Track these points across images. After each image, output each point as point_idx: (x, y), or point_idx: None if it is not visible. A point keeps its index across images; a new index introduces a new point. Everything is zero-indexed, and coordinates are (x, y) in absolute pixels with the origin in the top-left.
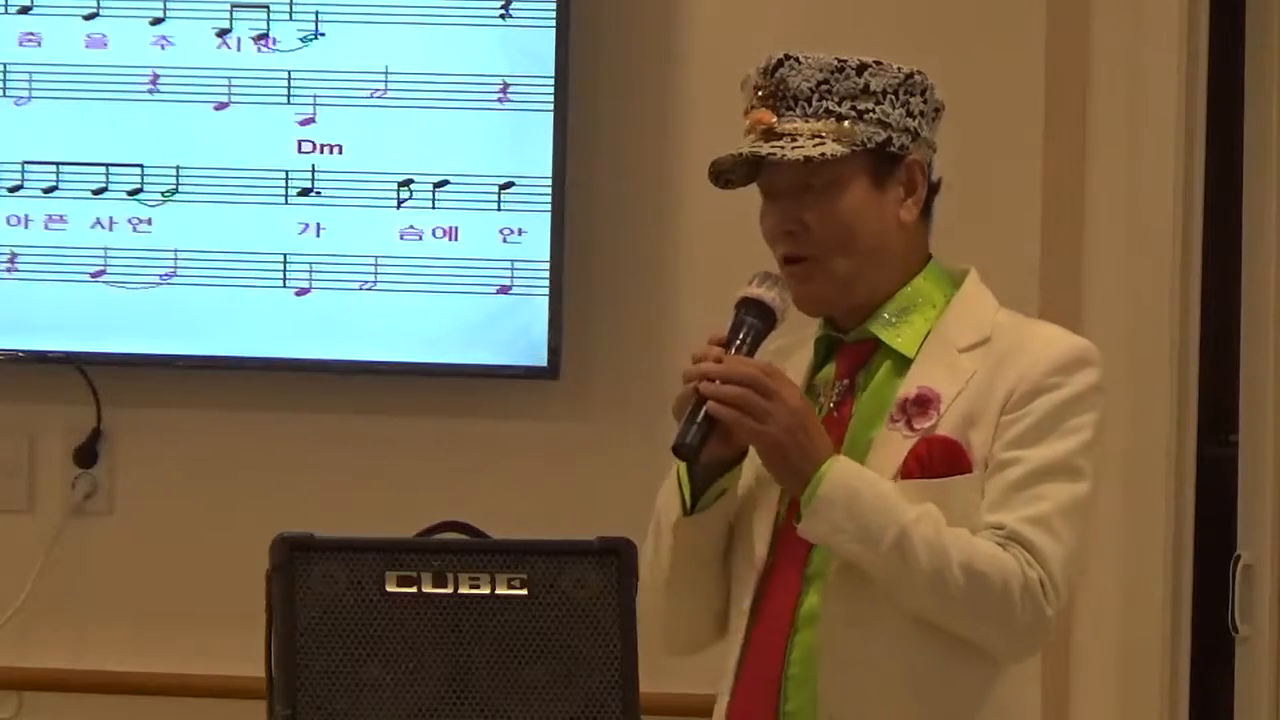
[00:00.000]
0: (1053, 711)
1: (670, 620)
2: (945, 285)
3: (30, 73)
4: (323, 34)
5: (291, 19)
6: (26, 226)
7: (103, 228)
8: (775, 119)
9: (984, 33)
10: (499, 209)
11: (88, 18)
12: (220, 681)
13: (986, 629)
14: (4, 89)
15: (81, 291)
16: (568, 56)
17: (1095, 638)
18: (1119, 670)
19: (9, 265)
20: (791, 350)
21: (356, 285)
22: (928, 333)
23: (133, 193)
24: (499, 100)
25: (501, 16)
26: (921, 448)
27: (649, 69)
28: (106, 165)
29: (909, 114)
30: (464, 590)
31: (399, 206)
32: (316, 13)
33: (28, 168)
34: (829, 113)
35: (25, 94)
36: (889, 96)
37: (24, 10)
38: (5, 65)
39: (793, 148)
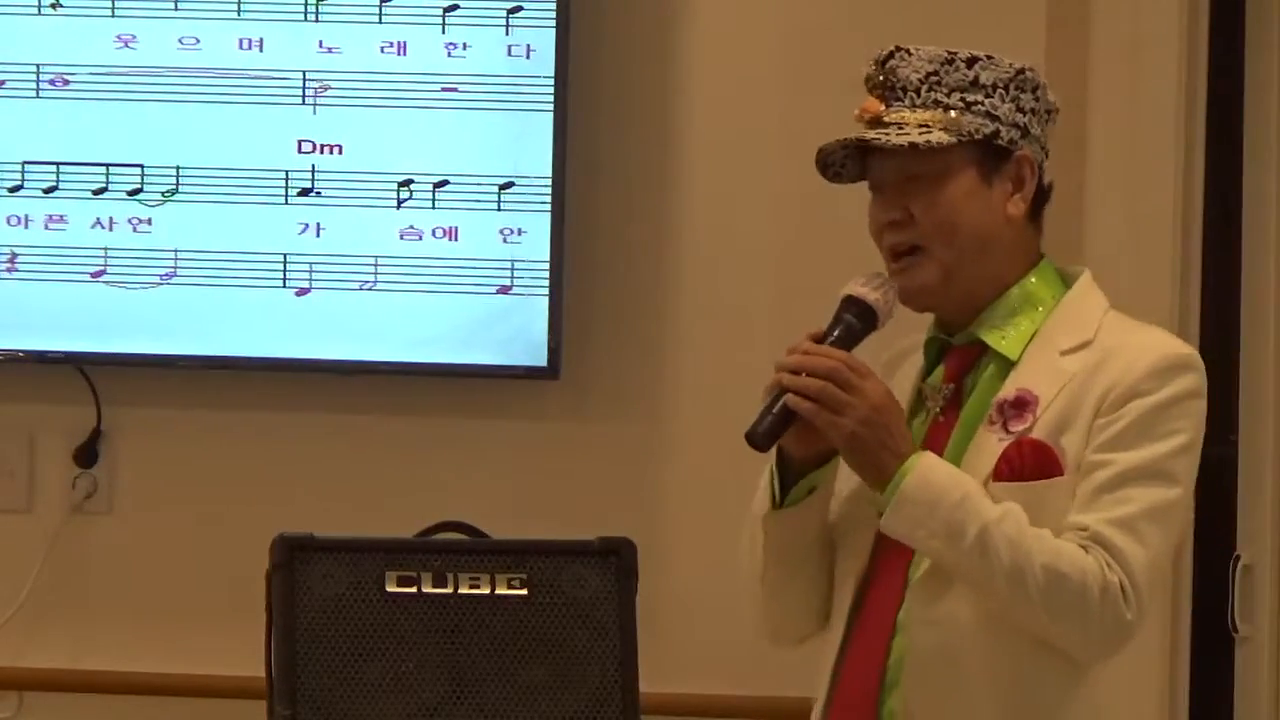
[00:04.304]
0: None
1: (768, 612)
2: (1056, 286)
3: (31, 73)
4: (322, 34)
5: (291, 19)
6: (26, 226)
7: (103, 228)
8: (884, 108)
9: (984, 33)
10: (499, 209)
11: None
12: (220, 681)
13: (1064, 630)
14: (3, 89)
15: (81, 291)
16: (568, 56)
17: None
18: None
19: (9, 265)
20: (903, 358)
21: (356, 285)
22: (1033, 335)
23: (133, 193)
24: (499, 100)
25: (502, 16)
26: (1012, 450)
27: (649, 69)
28: (106, 165)
29: (1019, 109)
30: (464, 590)
31: (399, 206)
32: (317, 13)
33: (28, 168)
34: (937, 103)
35: (26, 94)
36: (998, 90)
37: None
38: (5, 65)
39: (899, 134)
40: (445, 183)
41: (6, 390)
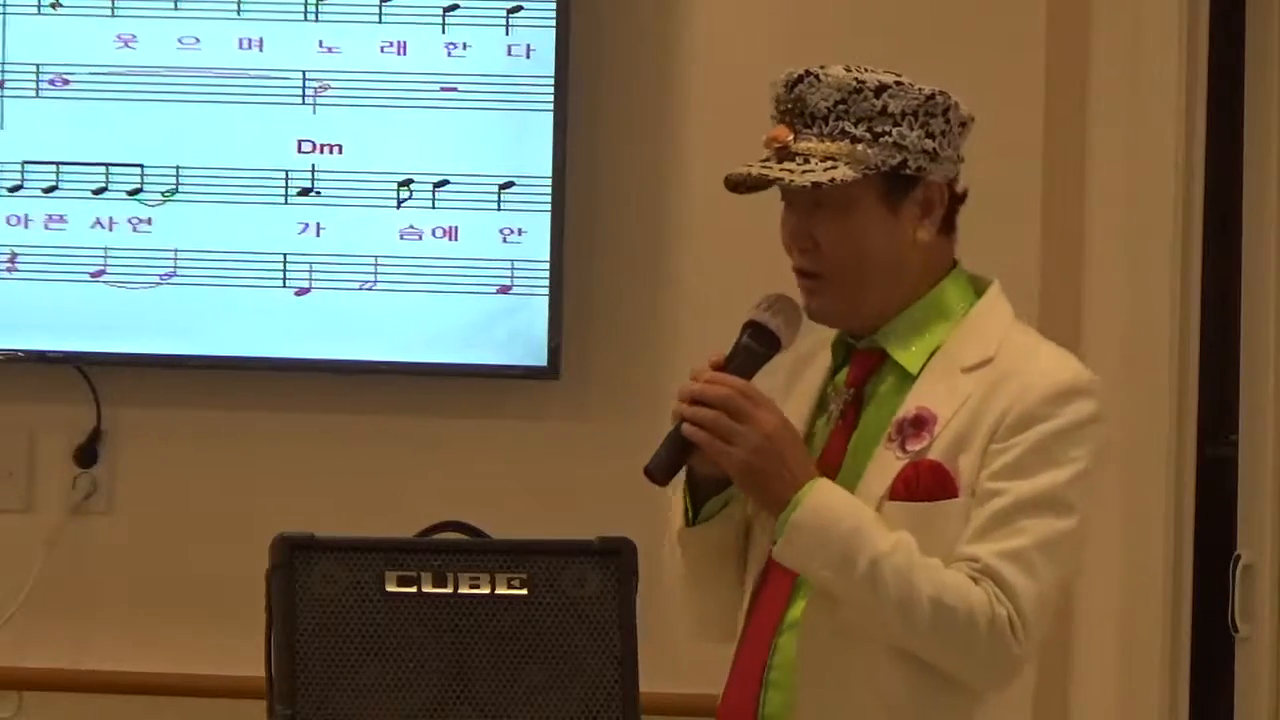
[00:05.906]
0: (1052, 712)
1: (694, 611)
2: (967, 295)
3: (31, 73)
4: (322, 34)
5: (291, 19)
6: (26, 226)
7: (103, 228)
8: (791, 137)
9: (984, 34)
10: (499, 209)
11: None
12: (220, 681)
13: (951, 661)
14: (3, 89)
15: (81, 291)
16: (568, 56)
17: (1095, 637)
18: (1119, 670)
19: (9, 265)
20: (811, 357)
21: (356, 285)
22: (936, 348)
23: (133, 193)
24: (499, 100)
25: (502, 16)
26: (909, 471)
27: (649, 69)
28: (106, 165)
29: (928, 135)
30: (464, 590)
31: (399, 206)
32: (316, 13)
33: (28, 168)
34: (844, 134)
35: (26, 94)
36: (908, 118)
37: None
38: (6, 65)
39: (802, 172)
40: (445, 182)
41: (6, 390)
